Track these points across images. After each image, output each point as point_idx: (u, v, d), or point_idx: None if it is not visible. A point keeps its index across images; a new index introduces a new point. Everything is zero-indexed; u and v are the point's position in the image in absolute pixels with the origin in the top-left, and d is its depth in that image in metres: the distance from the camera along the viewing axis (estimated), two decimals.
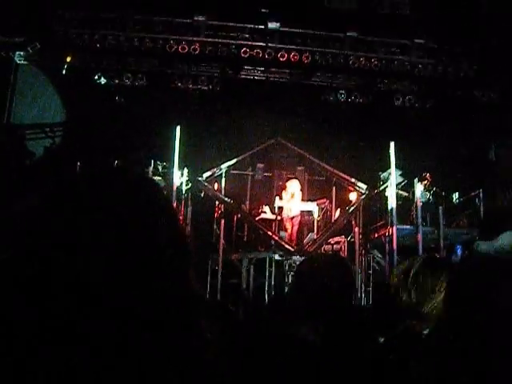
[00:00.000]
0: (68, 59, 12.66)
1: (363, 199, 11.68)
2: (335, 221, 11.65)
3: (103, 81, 13.04)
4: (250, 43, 12.67)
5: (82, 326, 0.68)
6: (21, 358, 0.67)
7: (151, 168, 11.65)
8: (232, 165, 12.41)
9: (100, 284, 0.70)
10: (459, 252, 11.17)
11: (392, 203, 10.93)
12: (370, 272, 11.61)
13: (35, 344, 0.67)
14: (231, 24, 12.61)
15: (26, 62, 12.87)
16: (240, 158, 12.38)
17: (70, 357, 0.67)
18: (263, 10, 12.32)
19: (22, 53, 12.73)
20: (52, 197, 0.76)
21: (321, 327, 2.04)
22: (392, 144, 11.22)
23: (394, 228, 10.79)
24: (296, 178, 12.24)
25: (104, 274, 0.71)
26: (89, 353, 0.68)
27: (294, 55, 12.74)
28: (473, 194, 11.83)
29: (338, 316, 2.13)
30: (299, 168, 12.98)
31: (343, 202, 12.17)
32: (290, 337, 2.09)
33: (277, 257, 10.82)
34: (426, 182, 11.86)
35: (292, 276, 9.48)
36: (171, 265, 0.79)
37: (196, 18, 12.43)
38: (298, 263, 9.95)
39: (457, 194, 12.44)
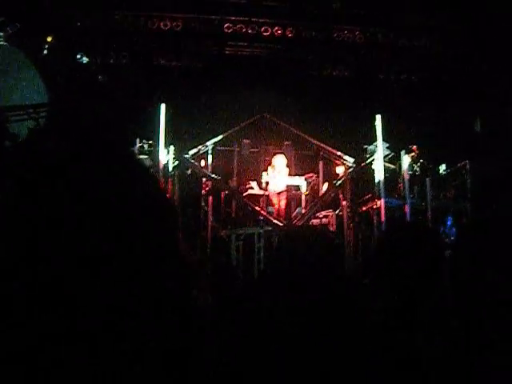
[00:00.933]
0: (49, 39, 12.49)
1: (350, 172, 11.69)
2: (323, 195, 11.68)
3: (85, 60, 12.88)
4: (232, 18, 12.54)
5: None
6: (17, 354, 0.65)
7: (137, 147, 11.57)
8: (218, 141, 12.35)
9: (92, 256, 0.69)
10: (449, 223, 11.25)
11: (379, 176, 10.97)
12: (359, 245, 11.66)
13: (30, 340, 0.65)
14: None
15: (5, 43, 12.67)
16: (226, 134, 12.33)
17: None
18: None
19: (1, 34, 12.52)
20: (34, 176, 0.74)
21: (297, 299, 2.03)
22: (378, 117, 11.24)
23: (382, 201, 10.84)
24: (282, 153, 12.24)
25: (93, 248, 0.69)
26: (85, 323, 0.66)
27: (277, 29, 12.65)
28: (460, 165, 11.90)
29: (318, 288, 2.11)
30: (286, 143, 12.95)
31: (330, 176, 12.20)
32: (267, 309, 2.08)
33: (265, 232, 10.84)
34: (412, 154, 11.91)
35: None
36: (159, 225, 0.77)
37: None
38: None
39: (444, 165, 12.50)
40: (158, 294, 0.73)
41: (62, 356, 0.65)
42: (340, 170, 12.08)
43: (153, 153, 11.59)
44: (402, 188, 11.36)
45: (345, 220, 11.26)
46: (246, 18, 12.54)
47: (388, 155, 11.69)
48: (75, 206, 0.71)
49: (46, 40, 12.49)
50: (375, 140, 11.25)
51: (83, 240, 0.69)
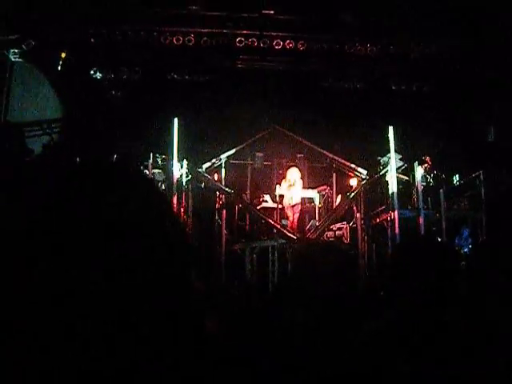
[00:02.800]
0: (63, 55, 12.62)
1: (364, 184, 11.66)
2: (336, 207, 11.66)
3: (99, 75, 13.01)
4: (244, 32, 12.60)
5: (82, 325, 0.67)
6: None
7: (150, 161, 11.60)
8: (231, 155, 12.39)
9: (102, 283, 0.69)
10: (465, 234, 11.18)
11: (393, 188, 10.91)
12: (373, 257, 11.62)
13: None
14: (225, 13, 12.53)
15: (20, 60, 12.81)
16: (239, 147, 12.36)
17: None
18: None
19: (16, 50, 12.67)
20: (52, 193, 0.75)
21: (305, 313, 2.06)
22: (391, 128, 11.21)
23: (396, 212, 10.77)
24: (296, 166, 12.23)
25: (105, 273, 0.70)
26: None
27: (289, 43, 12.69)
28: (473, 175, 11.83)
29: (327, 302, 2.13)
30: (299, 155, 12.97)
31: (344, 188, 12.19)
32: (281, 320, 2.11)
33: (279, 245, 10.83)
34: (425, 165, 11.87)
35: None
36: (174, 261, 0.78)
37: (190, 8, 12.36)
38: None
39: (457, 176, 12.44)
40: (170, 324, 0.74)
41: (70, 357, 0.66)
42: (353, 182, 12.06)
43: (166, 167, 11.64)
44: (415, 199, 11.30)
45: (359, 232, 11.21)
46: (258, 32, 12.59)
47: (401, 167, 11.65)
48: (89, 226, 0.72)
49: (60, 56, 12.61)
50: (388, 152, 11.20)
51: (93, 265, 0.70)
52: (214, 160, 12.04)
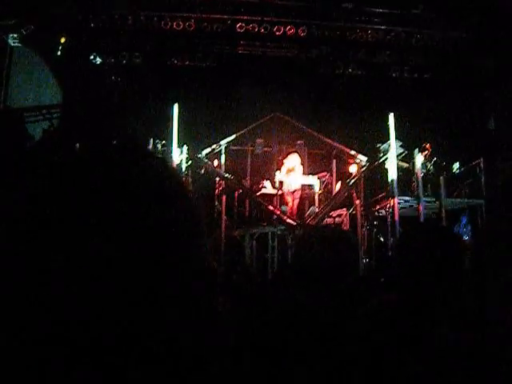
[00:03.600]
0: (62, 40, 12.57)
1: (364, 171, 11.66)
2: (336, 194, 11.66)
3: (98, 60, 12.96)
4: (245, 17, 12.54)
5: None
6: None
7: (150, 146, 11.60)
8: (231, 141, 12.37)
9: (115, 263, 0.68)
10: (464, 221, 11.20)
11: (393, 175, 10.92)
12: (373, 243, 11.65)
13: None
14: None
15: (20, 45, 12.75)
16: (239, 133, 12.35)
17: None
18: None
19: (15, 35, 12.61)
20: (55, 180, 0.73)
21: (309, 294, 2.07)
22: (391, 115, 11.20)
23: (396, 199, 10.79)
24: (296, 152, 12.21)
25: (119, 253, 0.68)
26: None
27: (289, 29, 12.64)
28: (473, 163, 11.84)
29: (331, 286, 2.15)
30: (299, 142, 12.95)
31: (344, 175, 12.17)
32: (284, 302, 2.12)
33: (279, 231, 10.85)
34: (426, 152, 11.87)
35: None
36: (188, 239, 0.77)
37: None
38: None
39: (457, 163, 12.44)
40: (185, 295, 0.74)
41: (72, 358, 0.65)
42: (353, 168, 12.05)
43: (166, 152, 11.63)
44: (415, 187, 11.30)
45: (358, 219, 11.23)
46: (259, 18, 12.53)
47: (401, 154, 11.65)
48: (95, 209, 0.69)
49: (59, 41, 12.55)
50: (388, 138, 11.20)
51: (105, 241, 0.68)
52: (214, 146, 12.03)
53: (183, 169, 11.42)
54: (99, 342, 0.65)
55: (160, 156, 0.90)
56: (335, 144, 12.22)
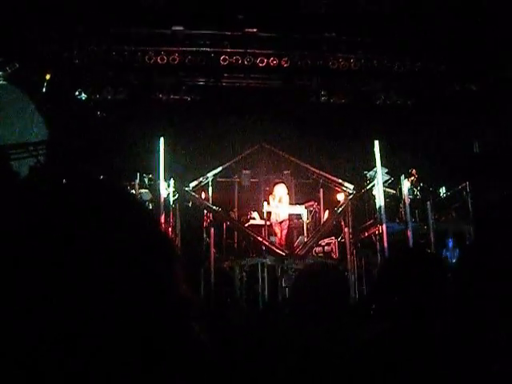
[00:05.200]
0: (47, 77, 12.61)
1: (351, 199, 11.69)
2: (324, 222, 11.67)
3: (83, 96, 13.00)
4: (228, 50, 12.66)
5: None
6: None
7: (137, 181, 11.59)
8: (218, 173, 12.40)
9: (90, 292, 0.68)
10: (450, 245, 11.21)
11: (380, 201, 10.94)
12: (362, 271, 11.61)
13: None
14: (209, 32, 12.60)
15: (5, 82, 12.79)
16: (225, 165, 12.39)
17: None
18: (240, 17, 12.29)
19: (0, 73, 12.65)
20: (40, 213, 0.74)
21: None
22: (376, 143, 11.26)
23: (384, 226, 10.79)
24: (283, 182, 12.25)
25: (92, 281, 0.69)
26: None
27: (272, 60, 12.76)
28: (460, 187, 11.90)
29: (327, 318, 2.19)
30: (285, 172, 13.00)
31: (331, 204, 12.20)
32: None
33: (268, 262, 10.80)
34: (412, 178, 11.95)
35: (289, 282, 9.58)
36: (158, 267, 0.78)
37: (174, 28, 12.41)
38: (291, 268, 10.02)
39: (444, 188, 12.51)
40: (155, 330, 0.73)
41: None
42: (340, 197, 12.08)
43: (153, 186, 11.62)
44: (403, 212, 11.33)
45: (347, 247, 11.21)
46: (242, 50, 12.65)
47: (388, 180, 11.70)
48: (73, 244, 0.70)
49: (44, 78, 12.59)
50: (374, 166, 11.25)
51: (78, 278, 0.69)
52: (200, 178, 12.04)
53: (171, 202, 11.38)
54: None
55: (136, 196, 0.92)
56: (322, 173, 12.26)
